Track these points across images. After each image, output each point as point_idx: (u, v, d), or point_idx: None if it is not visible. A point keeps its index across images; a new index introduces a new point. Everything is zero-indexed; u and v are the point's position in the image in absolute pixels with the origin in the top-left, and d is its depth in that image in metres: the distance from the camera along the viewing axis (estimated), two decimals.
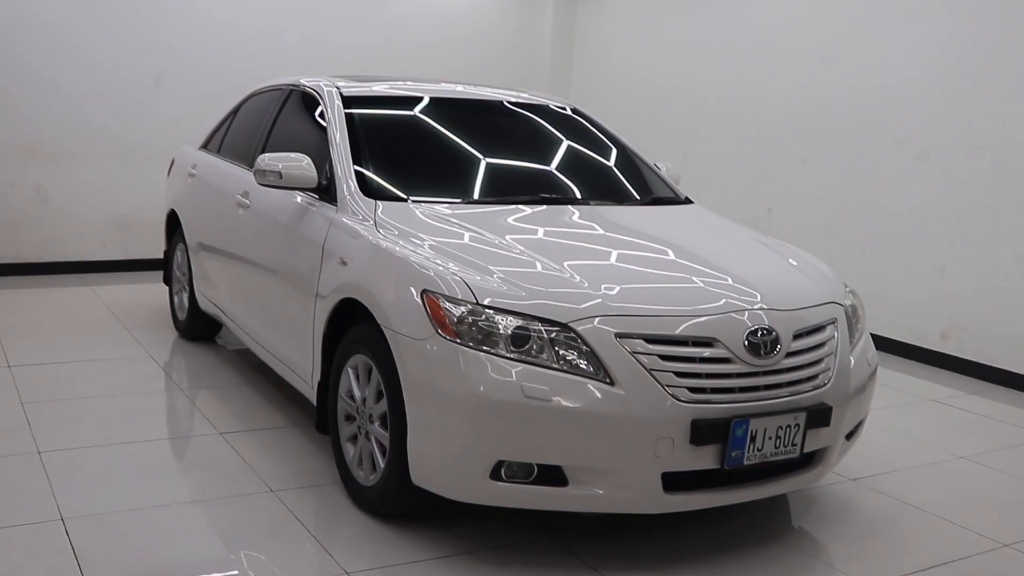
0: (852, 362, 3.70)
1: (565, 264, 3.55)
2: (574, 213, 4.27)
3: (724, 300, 3.46)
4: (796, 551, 3.66)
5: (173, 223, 6.31)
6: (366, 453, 3.71)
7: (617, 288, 3.42)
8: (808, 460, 3.59)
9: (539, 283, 3.38)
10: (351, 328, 3.82)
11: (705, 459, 3.26)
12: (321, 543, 3.50)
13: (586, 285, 3.39)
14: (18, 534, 3.40)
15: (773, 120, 7.73)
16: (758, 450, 3.33)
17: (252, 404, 4.96)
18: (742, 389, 3.32)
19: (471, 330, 3.23)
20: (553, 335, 3.22)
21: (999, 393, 6.04)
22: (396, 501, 3.58)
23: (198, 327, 6.05)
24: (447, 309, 3.28)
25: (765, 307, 3.48)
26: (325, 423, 4.04)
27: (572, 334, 3.21)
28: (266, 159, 4.26)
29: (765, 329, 3.39)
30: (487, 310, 3.25)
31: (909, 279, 6.69)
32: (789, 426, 3.38)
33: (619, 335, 3.22)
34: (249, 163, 5.15)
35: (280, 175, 4.22)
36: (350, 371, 3.79)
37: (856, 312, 3.97)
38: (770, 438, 3.34)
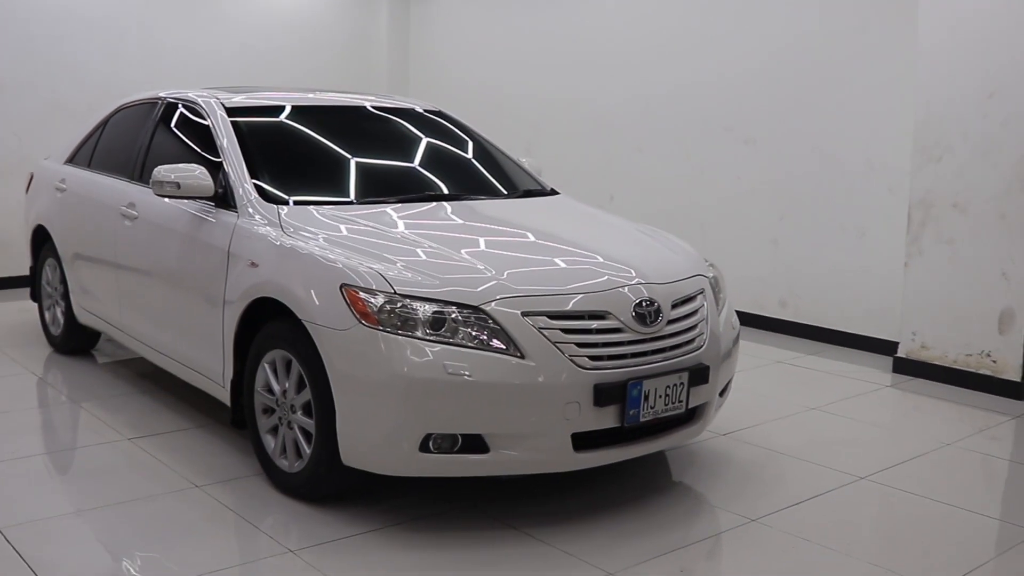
0: (720, 326, 4.20)
1: (464, 253, 3.89)
2: (458, 208, 4.60)
3: (607, 277, 3.88)
4: (685, 498, 4.13)
5: (40, 238, 6.27)
6: (289, 442, 3.94)
7: (514, 272, 3.78)
8: (692, 415, 4.06)
9: (447, 271, 3.71)
10: (263, 326, 4.05)
11: (607, 419, 3.67)
12: (259, 528, 3.72)
13: (489, 271, 3.73)
14: None
15: (610, 114, 8.27)
16: (651, 408, 3.76)
17: (147, 411, 5.05)
18: (634, 355, 3.74)
19: (391, 317, 3.53)
20: (466, 317, 3.55)
21: (834, 352, 6.75)
22: (324, 483, 3.84)
23: (75, 341, 6.06)
24: (367, 300, 3.57)
25: (644, 281, 3.92)
26: (240, 418, 4.24)
27: (483, 315, 3.56)
28: (163, 171, 4.41)
29: (648, 300, 3.83)
30: (404, 298, 3.56)
31: (747, 253, 7.35)
32: (675, 385, 3.82)
33: (524, 313, 3.58)
34: (130, 176, 5.26)
35: (178, 185, 4.38)
36: (267, 366, 4.01)
37: (718, 283, 4.47)
38: (660, 396, 3.78)
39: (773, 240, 7.19)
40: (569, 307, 3.68)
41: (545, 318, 3.61)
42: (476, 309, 3.57)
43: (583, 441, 3.67)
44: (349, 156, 4.80)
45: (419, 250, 3.89)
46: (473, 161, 5.25)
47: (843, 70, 6.69)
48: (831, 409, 5.43)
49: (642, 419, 3.74)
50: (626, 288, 3.84)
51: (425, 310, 3.54)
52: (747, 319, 7.35)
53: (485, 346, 3.53)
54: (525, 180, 5.25)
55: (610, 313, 3.72)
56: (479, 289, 3.62)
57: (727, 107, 7.39)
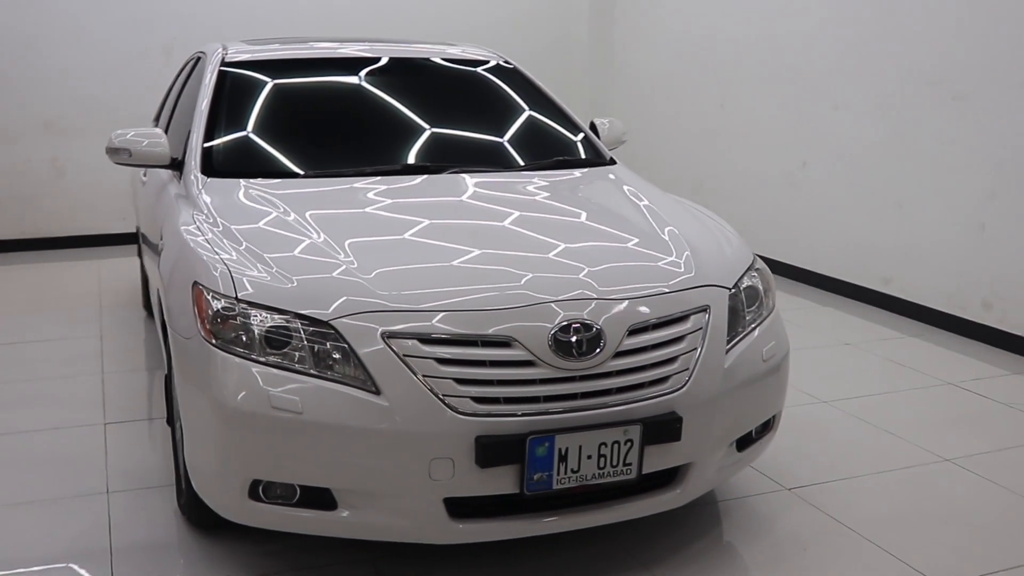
0: (729, 359, 3.04)
1: (357, 250, 3.03)
2: (428, 184, 3.74)
3: (538, 288, 2.87)
4: None
5: None
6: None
7: (402, 277, 2.90)
8: (669, 479, 2.99)
9: (311, 272, 2.90)
10: None
11: (501, 483, 2.73)
12: (112, 557, 3.16)
13: (365, 276, 2.87)
14: None
15: (805, 61, 6.85)
16: (573, 471, 2.76)
17: (158, 393, 4.65)
18: (548, 398, 2.75)
19: (225, 329, 2.80)
20: (313, 334, 2.74)
21: None
22: (195, 511, 3.21)
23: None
24: (209, 305, 2.86)
25: (591, 296, 2.88)
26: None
27: (333, 332, 2.73)
28: (116, 136, 3.92)
29: (583, 324, 2.80)
30: (243, 305, 2.80)
31: (947, 239, 5.80)
32: (617, 442, 2.78)
33: (388, 334, 2.70)
34: None
35: (129, 153, 3.87)
36: None
37: (757, 294, 3.28)
38: (589, 457, 2.76)
39: (980, 224, 5.59)
40: (453, 328, 2.74)
41: (416, 343, 2.71)
42: (325, 325, 2.74)
43: (464, 507, 2.76)
44: (332, 120, 4.06)
45: (306, 242, 3.09)
46: (500, 124, 4.30)
47: None
48: (972, 463, 3.99)
49: (557, 485, 2.76)
50: (560, 306, 2.82)
51: (262, 322, 2.77)
52: (943, 321, 5.86)
53: (332, 375, 2.70)
54: (569, 147, 4.27)
55: (515, 340, 2.75)
56: (337, 299, 2.78)
57: (932, 55, 5.81)
